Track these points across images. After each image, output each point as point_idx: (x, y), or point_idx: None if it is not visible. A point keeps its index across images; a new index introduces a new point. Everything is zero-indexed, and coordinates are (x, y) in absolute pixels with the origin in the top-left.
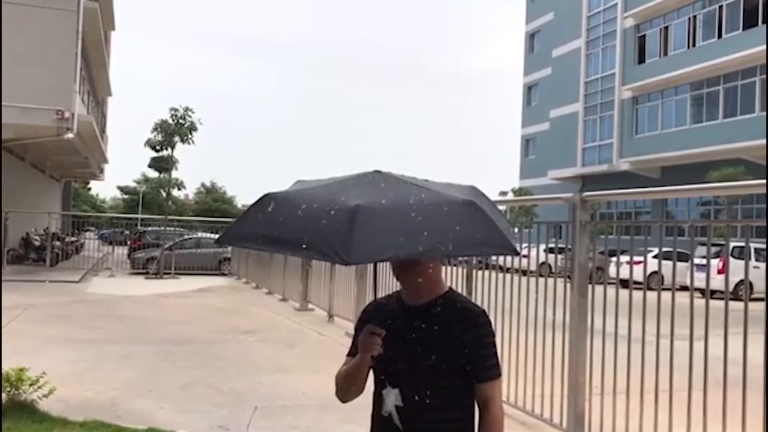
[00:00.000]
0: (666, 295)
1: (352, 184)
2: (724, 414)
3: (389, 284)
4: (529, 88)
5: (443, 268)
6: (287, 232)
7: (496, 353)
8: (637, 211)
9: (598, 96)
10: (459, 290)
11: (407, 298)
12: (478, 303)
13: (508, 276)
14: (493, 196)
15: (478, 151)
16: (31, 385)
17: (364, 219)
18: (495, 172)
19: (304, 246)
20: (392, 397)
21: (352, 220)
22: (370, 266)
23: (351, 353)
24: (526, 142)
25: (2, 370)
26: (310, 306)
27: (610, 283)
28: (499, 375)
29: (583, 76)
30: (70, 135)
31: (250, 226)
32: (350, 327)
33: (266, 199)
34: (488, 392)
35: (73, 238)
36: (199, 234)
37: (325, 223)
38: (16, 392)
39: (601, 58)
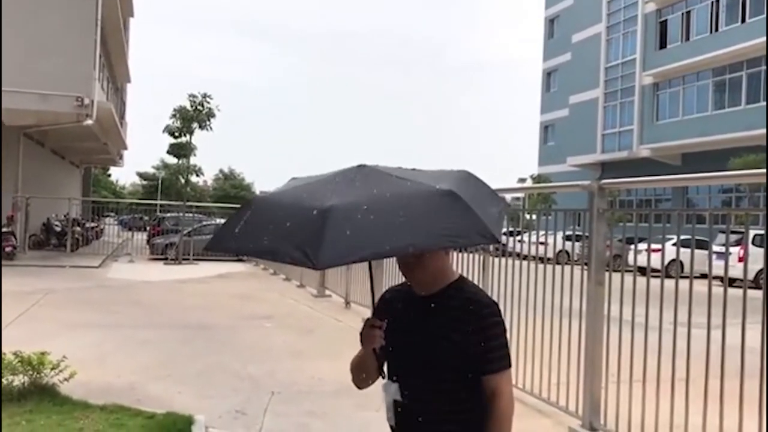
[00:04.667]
0: (684, 283)
1: (333, 183)
2: (741, 403)
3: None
4: (548, 74)
5: (451, 256)
6: (264, 237)
7: (504, 344)
8: (657, 199)
9: (618, 82)
10: (474, 277)
11: (416, 288)
12: (494, 290)
13: (525, 263)
14: (512, 182)
15: (497, 137)
16: (52, 369)
17: (335, 221)
18: (514, 158)
19: (277, 251)
20: (394, 388)
21: (324, 222)
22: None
23: None
24: (545, 128)
25: (24, 354)
26: (327, 292)
27: (627, 271)
28: (506, 367)
29: (604, 62)
30: (89, 121)
31: (233, 231)
32: (368, 314)
33: (248, 203)
34: (495, 384)
35: (93, 224)
36: (218, 220)
37: (299, 226)
38: (38, 376)
39: (622, 43)
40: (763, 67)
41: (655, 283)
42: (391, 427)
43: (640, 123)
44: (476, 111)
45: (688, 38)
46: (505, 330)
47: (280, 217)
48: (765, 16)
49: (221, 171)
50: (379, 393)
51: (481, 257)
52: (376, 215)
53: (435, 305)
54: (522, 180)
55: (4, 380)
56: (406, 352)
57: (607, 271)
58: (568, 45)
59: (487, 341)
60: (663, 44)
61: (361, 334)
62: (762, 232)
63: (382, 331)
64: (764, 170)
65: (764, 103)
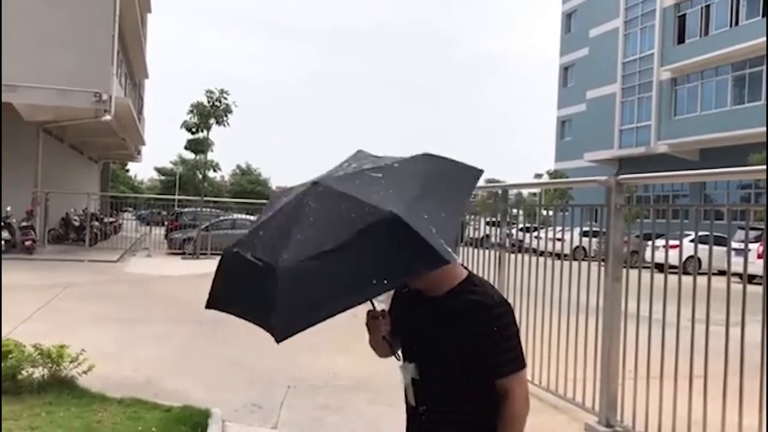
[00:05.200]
0: (702, 280)
1: (287, 217)
2: (761, 401)
3: None
4: (565, 69)
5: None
6: (240, 297)
7: (515, 346)
8: (675, 195)
9: (636, 77)
10: (490, 274)
11: (424, 291)
12: (510, 287)
13: (542, 259)
14: (528, 178)
15: (513, 133)
16: (71, 361)
17: (283, 286)
18: (530, 154)
19: (251, 317)
20: (411, 368)
21: (274, 288)
22: None
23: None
24: (562, 123)
25: (44, 347)
26: None
27: (645, 267)
28: (518, 369)
29: (621, 57)
30: (107, 117)
31: (219, 288)
32: (382, 307)
33: (224, 257)
34: (505, 387)
35: (111, 219)
36: (235, 215)
37: (259, 288)
38: (57, 368)
39: (640, 38)
40: None
41: (672, 279)
42: (407, 411)
43: (657, 118)
44: (492, 106)
45: (707, 32)
46: (517, 331)
47: (245, 275)
48: None
49: (238, 166)
50: (392, 389)
51: (497, 253)
52: (321, 268)
53: (441, 307)
54: (539, 175)
55: (24, 372)
56: (416, 351)
57: (624, 267)
58: (585, 40)
59: (494, 344)
60: (681, 39)
61: (366, 324)
62: None
63: (385, 319)
64: (764, 167)
65: None
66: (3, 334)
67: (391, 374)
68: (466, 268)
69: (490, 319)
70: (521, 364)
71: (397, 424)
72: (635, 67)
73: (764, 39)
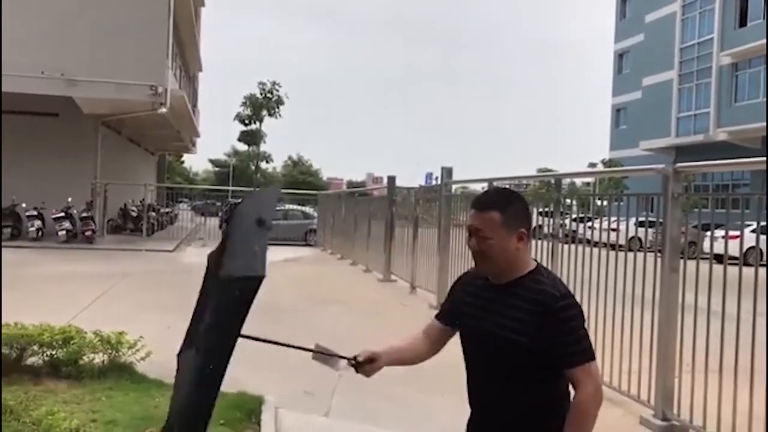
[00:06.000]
0: (764, 271)
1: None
2: None
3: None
4: (620, 56)
5: (526, 247)
6: None
7: (582, 338)
8: (735, 183)
9: (694, 63)
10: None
11: (489, 276)
12: (564, 278)
13: (596, 250)
14: (582, 167)
15: (567, 121)
16: (129, 348)
17: None
18: (585, 142)
19: None
20: (475, 375)
21: None
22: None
23: (438, 316)
24: (617, 111)
25: (104, 334)
26: (393, 277)
27: (703, 258)
28: (586, 360)
29: (679, 42)
30: (163, 110)
31: None
32: (432, 298)
33: None
34: (574, 377)
35: (167, 209)
36: (287, 206)
37: None
38: (116, 354)
39: (698, 22)
40: None
41: (732, 271)
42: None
43: (717, 105)
44: (546, 94)
45: None
46: (582, 322)
47: None
48: None
49: (290, 158)
50: (442, 378)
51: (550, 244)
52: None
53: (508, 294)
54: (593, 165)
55: (85, 358)
56: (476, 339)
57: (681, 258)
58: (641, 25)
59: (561, 335)
60: (743, 22)
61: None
62: None
63: (371, 362)
64: (763, 159)
65: None
66: (64, 321)
67: (441, 363)
68: (535, 260)
69: (555, 310)
70: (588, 356)
71: (450, 413)
72: (693, 52)
73: None
